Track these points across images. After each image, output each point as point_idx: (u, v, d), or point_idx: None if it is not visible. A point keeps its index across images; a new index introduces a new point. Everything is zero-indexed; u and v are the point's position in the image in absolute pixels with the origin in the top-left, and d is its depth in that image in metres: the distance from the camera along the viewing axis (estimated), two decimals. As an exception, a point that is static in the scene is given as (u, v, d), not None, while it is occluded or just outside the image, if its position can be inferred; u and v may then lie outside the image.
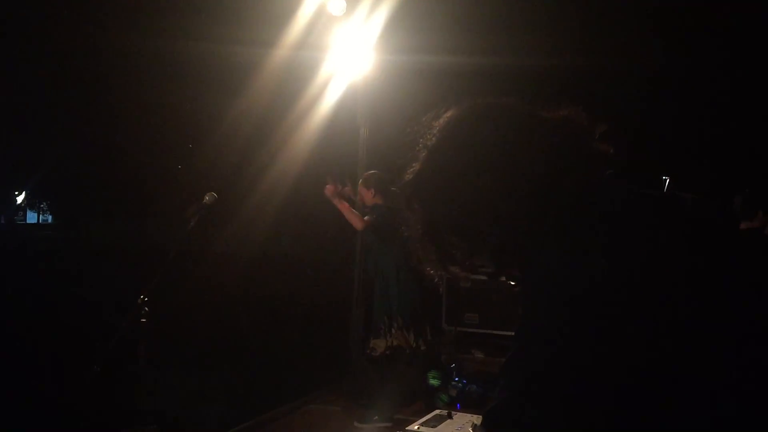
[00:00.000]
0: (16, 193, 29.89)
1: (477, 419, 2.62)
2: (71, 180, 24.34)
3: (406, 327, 4.78)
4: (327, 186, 4.87)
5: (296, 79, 7.39)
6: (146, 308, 2.88)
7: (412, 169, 1.08)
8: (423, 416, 2.81)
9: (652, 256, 0.90)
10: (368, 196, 4.95)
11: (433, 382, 4.64)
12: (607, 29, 10.95)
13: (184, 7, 13.24)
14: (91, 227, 28.33)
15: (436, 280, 1.14)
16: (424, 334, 4.86)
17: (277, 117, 12.41)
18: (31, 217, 39.16)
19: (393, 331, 4.76)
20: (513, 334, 0.93)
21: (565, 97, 1.07)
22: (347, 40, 5.45)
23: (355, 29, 5.40)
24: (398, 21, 5.47)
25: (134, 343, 2.94)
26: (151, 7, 14.06)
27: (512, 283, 1.05)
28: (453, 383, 4.55)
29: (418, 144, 1.09)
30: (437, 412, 2.86)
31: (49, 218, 37.22)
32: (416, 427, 2.67)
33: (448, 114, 1.08)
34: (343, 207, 4.85)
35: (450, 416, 2.77)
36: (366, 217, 4.88)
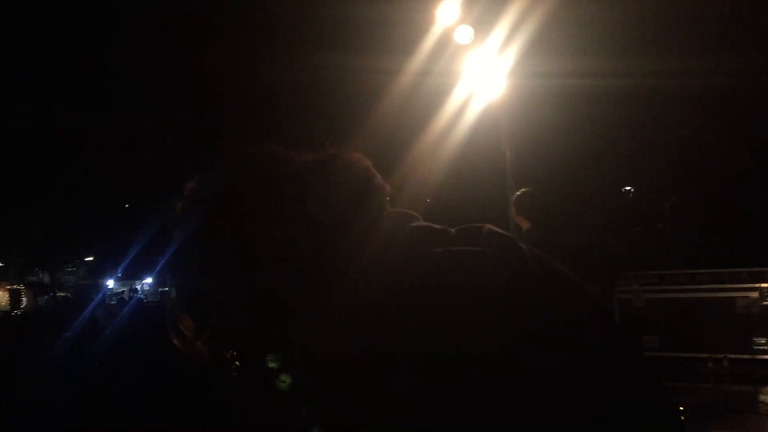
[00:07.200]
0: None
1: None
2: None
3: None
4: None
5: (427, 106, 7.42)
6: (236, 362, 2.92)
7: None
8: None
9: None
10: (520, 222, 4.29)
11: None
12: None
13: (319, 41, 13.83)
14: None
15: None
16: None
17: (404, 146, 12.58)
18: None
19: None
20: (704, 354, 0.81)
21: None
22: (477, 66, 5.44)
23: (485, 56, 5.37)
24: (530, 46, 5.38)
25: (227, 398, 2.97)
26: (284, 40, 14.78)
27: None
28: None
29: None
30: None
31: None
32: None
33: (191, 185, 0.91)
34: None
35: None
36: None
